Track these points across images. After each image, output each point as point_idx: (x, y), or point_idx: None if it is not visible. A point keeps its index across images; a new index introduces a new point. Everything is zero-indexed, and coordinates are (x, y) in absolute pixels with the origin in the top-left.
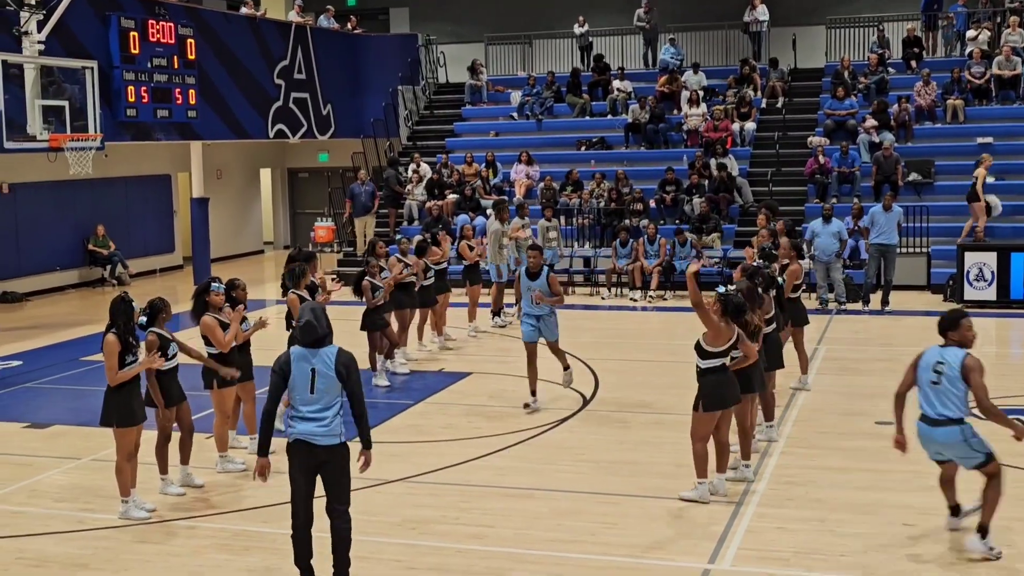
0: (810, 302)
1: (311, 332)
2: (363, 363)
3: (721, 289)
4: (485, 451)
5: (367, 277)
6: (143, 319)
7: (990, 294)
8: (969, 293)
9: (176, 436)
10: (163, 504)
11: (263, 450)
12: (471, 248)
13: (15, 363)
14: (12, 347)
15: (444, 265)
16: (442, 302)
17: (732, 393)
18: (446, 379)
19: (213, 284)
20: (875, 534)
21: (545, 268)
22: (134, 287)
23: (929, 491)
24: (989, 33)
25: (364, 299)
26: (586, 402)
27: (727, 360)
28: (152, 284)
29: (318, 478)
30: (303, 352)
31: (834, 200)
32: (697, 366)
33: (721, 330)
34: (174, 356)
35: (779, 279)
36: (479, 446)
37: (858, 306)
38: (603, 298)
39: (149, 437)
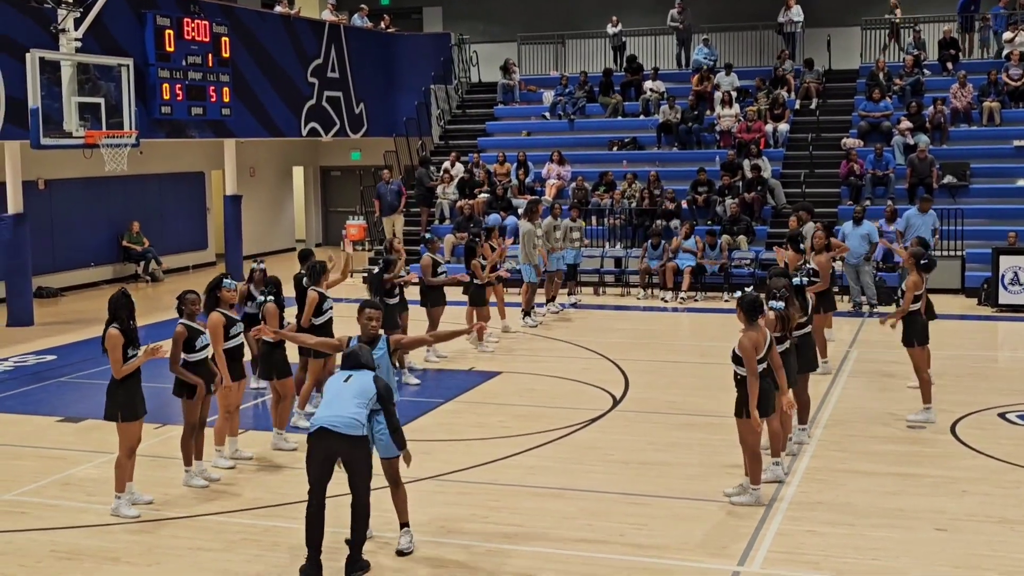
0: (843, 304)
1: (353, 359)
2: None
3: (738, 294)
4: (515, 450)
5: (386, 275)
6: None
7: None
8: (1004, 297)
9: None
10: (195, 499)
11: None
12: (493, 249)
13: (49, 358)
14: (46, 342)
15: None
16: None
17: (771, 401)
18: (476, 378)
19: (225, 281)
20: (906, 539)
21: None
22: (167, 283)
23: (961, 496)
24: None
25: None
26: (616, 402)
27: (764, 365)
28: (185, 280)
29: (335, 468)
30: (342, 370)
31: (867, 202)
32: (736, 374)
33: (755, 340)
34: (204, 348)
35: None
36: (509, 445)
37: (892, 308)
38: (638, 299)
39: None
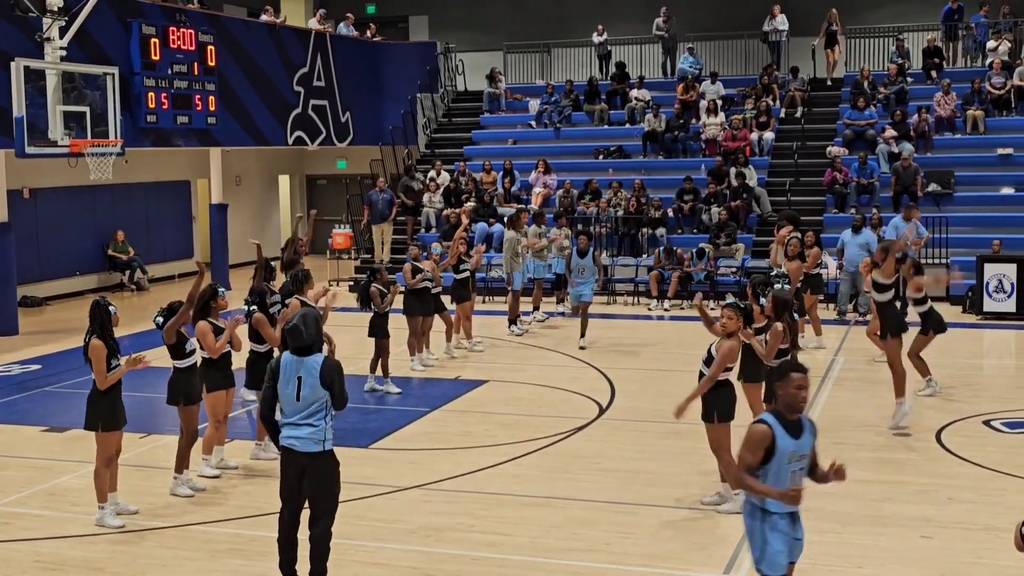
0: (829, 312)
1: (297, 338)
2: (363, 369)
3: (729, 299)
4: (501, 459)
5: (374, 284)
6: (160, 320)
7: (1009, 306)
8: (988, 305)
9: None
10: (180, 509)
11: (277, 445)
12: (469, 257)
13: (34, 367)
14: (31, 351)
15: (467, 274)
16: (468, 309)
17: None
18: (462, 387)
19: (219, 290)
20: (892, 546)
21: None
22: (153, 292)
23: (947, 503)
24: (1010, 44)
25: (373, 305)
26: (603, 411)
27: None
28: (171, 289)
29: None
30: (291, 359)
31: (875, 210)
32: (700, 374)
33: (735, 348)
34: (191, 353)
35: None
36: (495, 454)
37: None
38: (650, 309)
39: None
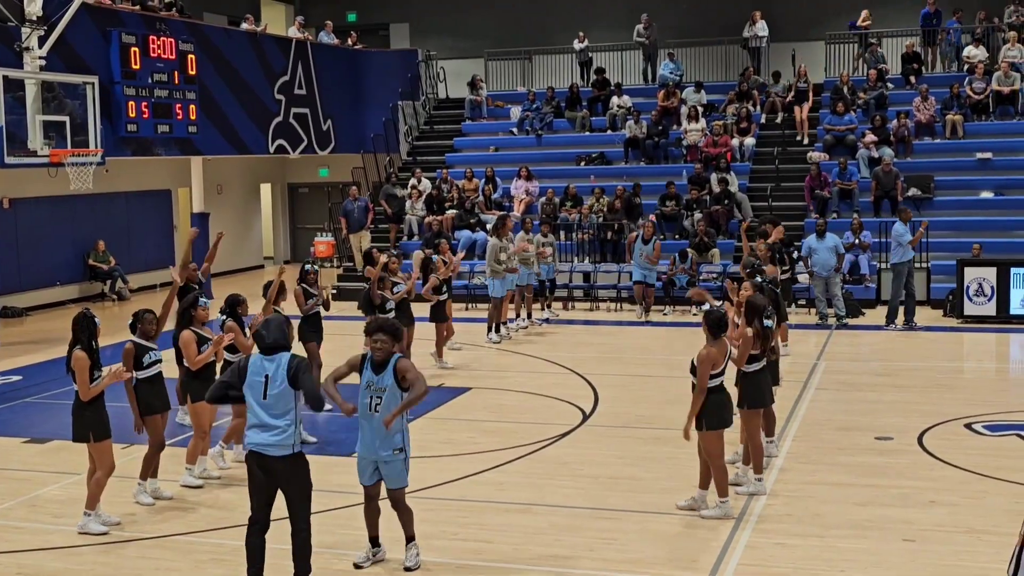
0: (809, 317)
1: (260, 339)
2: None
3: (706, 306)
4: (484, 466)
5: (300, 284)
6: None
7: (990, 309)
8: (969, 308)
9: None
10: (162, 519)
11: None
12: (446, 263)
13: (15, 378)
14: (12, 362)
15: (445, 296)
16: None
17: (731, 412)
18: (445, 394)
19: (200, 300)
20: (875, 550)
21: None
22: (134, 302)
23: (929, 506)
24: (987, 52)
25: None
26: (586, 417)
27: (719, 381)
28: (152, 299)
29: (276, 493)
30: (257, 359)
31: (834, 215)
32: (693, 385)
33: (714, 355)
34: (153, 364)
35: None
36: (478, 461)
37: (858, 321)
38: (659, 314)
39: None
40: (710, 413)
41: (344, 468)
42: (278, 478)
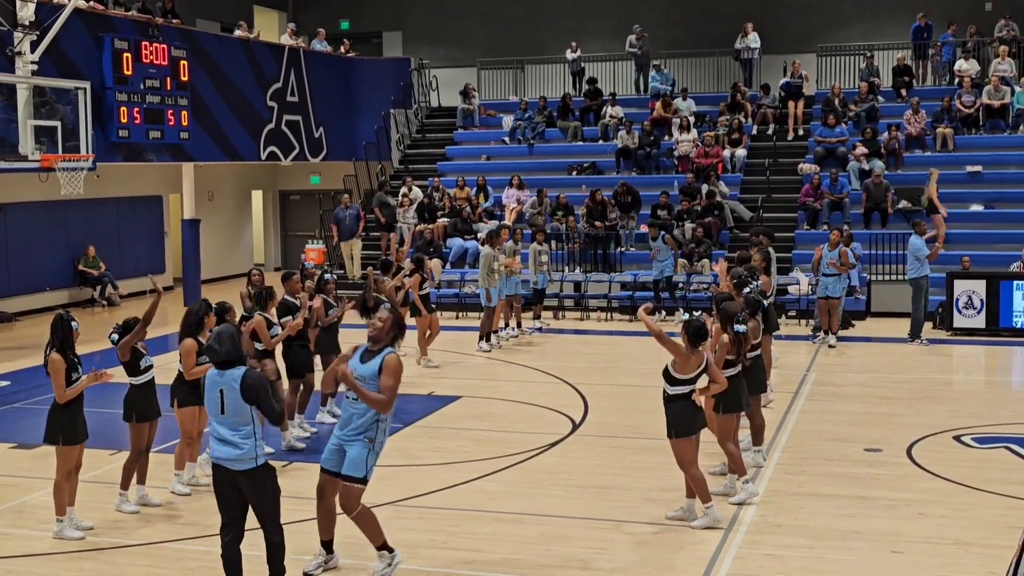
0: (804, 329)
1: (212, 354)
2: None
3: (686, 316)
4: (474, 475)
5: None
6: (115, 336)
7: (979, 322)
8: (959, 321)
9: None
10: (151, 526)
11: None
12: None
13: (3, 383)
14: (0, 367)
15: (427, 290)
16: (432, 325)
17: (700, 419)
18: (435, 403)
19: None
20: (863, 561)
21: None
22: (124, 308)
23: (917, 518)
24: (978, 66)
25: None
26: (575, 426)
27: (695, 387)
28: (142, 305)
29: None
30: (213, 373)
31: (824, 226)
32: (664, 392)
33: (688, 358)
34: (147, 370)
35: (764, 301)
36: (468, 470)
37: (849, 333)
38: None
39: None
40: (675, 420)
41: None
42: (244, 490)
